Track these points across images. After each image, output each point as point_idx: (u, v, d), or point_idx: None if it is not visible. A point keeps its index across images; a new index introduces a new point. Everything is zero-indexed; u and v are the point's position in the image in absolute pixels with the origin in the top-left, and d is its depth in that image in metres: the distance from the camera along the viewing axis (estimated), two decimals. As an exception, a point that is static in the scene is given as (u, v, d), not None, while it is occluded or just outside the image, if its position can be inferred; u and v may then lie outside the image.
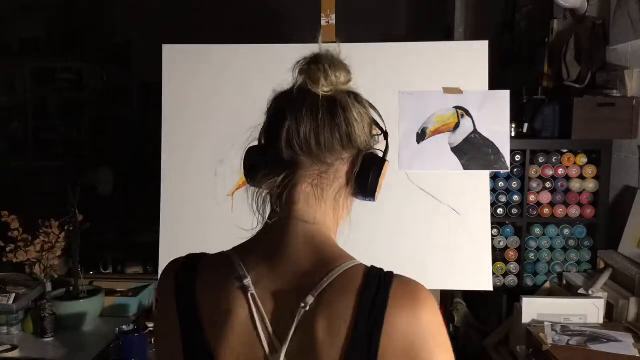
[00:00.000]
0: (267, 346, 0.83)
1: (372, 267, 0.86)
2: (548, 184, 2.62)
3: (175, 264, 0.95)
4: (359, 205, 2.19)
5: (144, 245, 2.79)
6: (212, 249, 2.42)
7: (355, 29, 3.15)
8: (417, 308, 0.81)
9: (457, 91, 2.28)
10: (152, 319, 1.98)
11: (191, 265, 0.93)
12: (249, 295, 0.85)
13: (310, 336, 0.81)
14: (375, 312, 0.79)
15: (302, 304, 0.81)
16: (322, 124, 0.92)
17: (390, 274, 0.85)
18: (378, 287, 0.82)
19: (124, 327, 2.04)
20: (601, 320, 2.20)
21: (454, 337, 2.96)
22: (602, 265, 2.50)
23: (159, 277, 1.00)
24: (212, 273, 0.90)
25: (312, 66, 1.01)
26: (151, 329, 2.03)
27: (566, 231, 2.63)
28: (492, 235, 2.57)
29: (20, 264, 2.41)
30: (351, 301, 0.80)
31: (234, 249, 0.94)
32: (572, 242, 2.63)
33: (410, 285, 0.83)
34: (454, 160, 2.28)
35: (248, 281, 0.85)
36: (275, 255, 0.88)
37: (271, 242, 0.90)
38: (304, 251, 0.87)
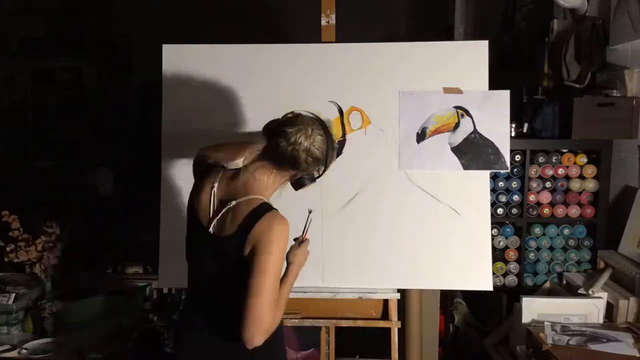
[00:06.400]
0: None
1: (264, 202, 1.59)
2: (548, 184, 2.62)
3: None
4: (360, 205, 2.22)
5: (144, 245, 2.79)
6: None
7: (355, 29, 3.16)
8: (271, 225, 1.54)
9: (457, 91, 2.28)
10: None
11: None
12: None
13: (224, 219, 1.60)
14: (254, 220, 1.55)
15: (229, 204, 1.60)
16: None
17: (268, 208, 1.58)
18: (260, 210, 1.57)
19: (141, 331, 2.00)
20: (601, 320, 2.20)
21: (454, 337, 2.96)
22: (602, 265, 2.50)
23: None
24: None
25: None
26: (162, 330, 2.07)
27: (566, 231, 2.63)
28: (492, 235, 2.57)
29: (21, 264, 2.41)
30: (248, 210, 1.57)
31: None
32: (572, 242, 2.63)
33: (272, 216, 1.56)
34: (454, 160, 2.28)
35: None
36: None
37: None
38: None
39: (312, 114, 1.65)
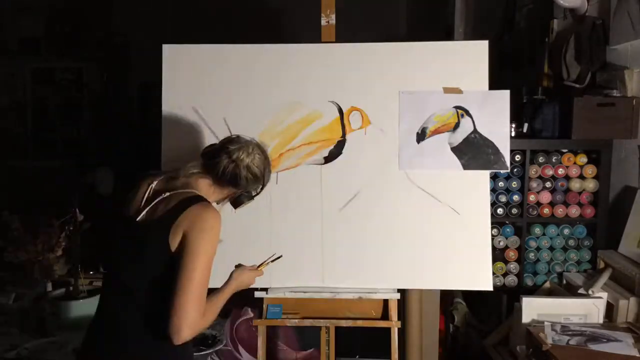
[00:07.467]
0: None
1: (200, 195, 1.63)
2: (548, 184, 2.62)
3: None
4: (360, 204, 2.22)
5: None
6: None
7: (355, 29, 3.16)
8: (201, 214, 1.56)
9: (457, 91, 2.28)
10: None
11: None
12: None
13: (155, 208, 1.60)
14: (185, 206, 1.57)
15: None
16: None
17: (202, 199, 1.62)
18: (194, 199, 1.60)
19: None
20: (601, 320, 2.20)
21: (454, 337, 2.96)
22: (602, 265, 2.50)
23: None
24: None
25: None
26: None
27: (566, 231, 2.63)
28: (492, 235, 2.57)
29: (21, 264, 2.41)
30: (180, 198, 1.60)
31: None
32: (572, 242, 2.63)
33: (205, 205, 1.60)
34: (454, 160, 2.28)
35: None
36: None
37: None
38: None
39: (251, 138, 1.77)
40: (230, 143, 1.71)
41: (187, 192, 1.63)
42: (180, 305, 1.45)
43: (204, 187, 1.69)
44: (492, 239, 2.58)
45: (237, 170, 1.67)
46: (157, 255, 1.55)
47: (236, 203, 1.84)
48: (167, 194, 1.61)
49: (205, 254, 1.51)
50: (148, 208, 1.61)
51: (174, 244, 1.53)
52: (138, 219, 1.61)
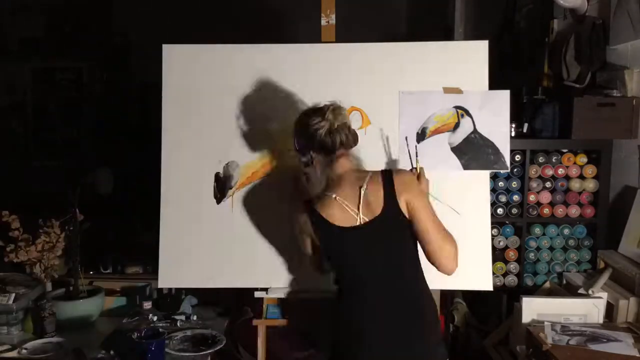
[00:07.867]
0: (353, 213, 1.79)
1: (384, 169, 1.85)
2: (548, 184, 2.62)
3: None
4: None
5: (144, 245, 2.79)
6: (212, 249, 2.41)
7: (355, 29, 3.16)
8: (403, 176, 1.84)
9: (457, 91, 2.28)
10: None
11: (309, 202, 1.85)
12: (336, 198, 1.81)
13: (367, 199, 1.78)
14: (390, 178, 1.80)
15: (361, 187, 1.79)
16: None
17: (387, 169, 1.85)
18: (384, 172, 1.83)
19: (141, 331, 2.02)
20: (601, 320, 2.20)
21: (454, 337, 2.96)
22: (602, 265, 2.50)
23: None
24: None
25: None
26: (163, 330, 2.07)
27: (566, 231, 2.63)
28: (492, 235, 2.57)
29: (21, 264, 2.41)
30: (380, 181, 1.80)
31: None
32: (572, 242, 2.63)
33: (397, 170, 1.88)
34: (454, 160, 2.28)
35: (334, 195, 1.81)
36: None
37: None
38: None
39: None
40: (314, 114, 1.80)
41: (363, 171, 1.85)
42: (440, 244, 1.80)
43: (351, 159, 1.85)
44: (492, 239, 2.58)
45: (344, 129, 1.80)
46: (403, 230, 1.79)
47: None
48: (364, 186, 1.77)
49: (427, 197, 1.87)
50: (362, 209, 1.78)
51: (406, 211, 1.77)
52: (359, 221, 1.78)
